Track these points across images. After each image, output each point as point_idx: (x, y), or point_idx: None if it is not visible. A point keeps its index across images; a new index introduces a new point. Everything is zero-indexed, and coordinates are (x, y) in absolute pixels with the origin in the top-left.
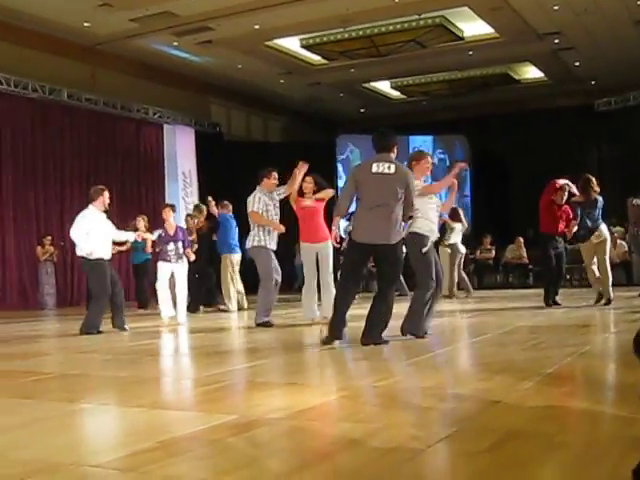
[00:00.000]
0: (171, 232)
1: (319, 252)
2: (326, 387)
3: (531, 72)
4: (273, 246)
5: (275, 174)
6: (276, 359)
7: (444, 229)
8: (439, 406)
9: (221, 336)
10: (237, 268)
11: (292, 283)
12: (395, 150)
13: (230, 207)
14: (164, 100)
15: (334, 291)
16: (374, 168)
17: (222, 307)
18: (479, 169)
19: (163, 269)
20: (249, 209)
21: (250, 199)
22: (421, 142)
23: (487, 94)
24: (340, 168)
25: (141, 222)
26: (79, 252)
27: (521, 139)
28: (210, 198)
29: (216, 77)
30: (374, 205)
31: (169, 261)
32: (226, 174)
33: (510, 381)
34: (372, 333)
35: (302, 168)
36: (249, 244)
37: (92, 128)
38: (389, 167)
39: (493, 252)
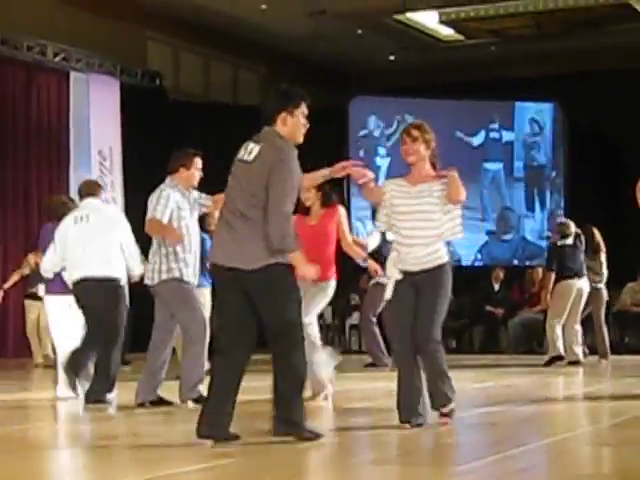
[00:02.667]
0: None
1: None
2: None
3: None
4: (193, 278)
5: (199, 162)
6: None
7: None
8: None
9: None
10: None
11: None
12: (282, 121)
13: None
14: (72, 33)
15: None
16: (240, 152)
17: None
18: (577, 156)
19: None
20: (148, 215)
21: (152, 198)
22: (480, 111)
23: (594, 37)
24: (358, 151)
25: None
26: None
27: None
28: None
29: None
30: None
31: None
32: (170, 154)
33: None
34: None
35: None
36: (153, 276)
37: None
38: (251, 150)
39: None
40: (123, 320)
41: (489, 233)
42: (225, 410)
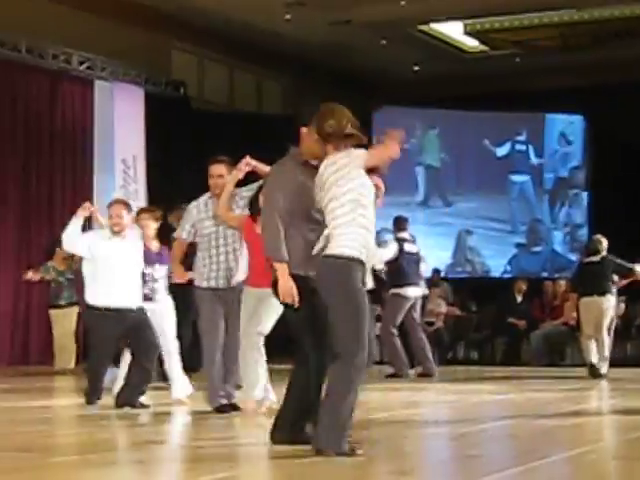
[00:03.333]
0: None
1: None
2: None
3: None
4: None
5: (213, 169)
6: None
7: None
8: None
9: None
10: None
11: None
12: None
13: None
14: (97, 42)
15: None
16: None
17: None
18: (602, 169)
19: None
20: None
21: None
22: (506, 123)
23: (619, 49)
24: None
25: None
26: None
27: None
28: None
29: (182, 8)
30: None
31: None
32: (194, 163)
33: None
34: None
35: (244, 168)
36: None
37: None
38: None
39: (622, 307)
40: None
41: (518, 245)
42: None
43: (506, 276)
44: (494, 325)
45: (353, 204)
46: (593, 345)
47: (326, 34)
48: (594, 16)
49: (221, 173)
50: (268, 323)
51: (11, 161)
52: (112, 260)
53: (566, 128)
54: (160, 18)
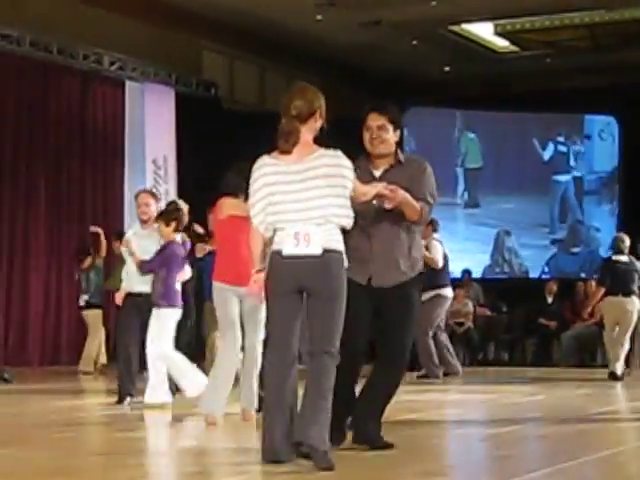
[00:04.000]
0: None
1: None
2: None
3: None
4: None
5: None
6: None
7: None
8: None
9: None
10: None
11: None
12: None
13: None
14: (128, 42)
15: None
16: None
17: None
18: (635, 169)
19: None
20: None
21: None
22: (543, 124)
23: None
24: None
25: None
26: None
27: None
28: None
29: (213, 8)
30: None
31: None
32: (225, 163)
33: None
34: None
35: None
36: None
37: (9, 83)
38: None
39: None
40: None
41: (557, 246)
42: None
43: (544, 277)
44: (525, 326)
45: None
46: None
47: (356, 34)
48: (624, 16)
49: None
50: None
51: (42, 162)
52: None
53: (602, 129)
54: (191, 18)
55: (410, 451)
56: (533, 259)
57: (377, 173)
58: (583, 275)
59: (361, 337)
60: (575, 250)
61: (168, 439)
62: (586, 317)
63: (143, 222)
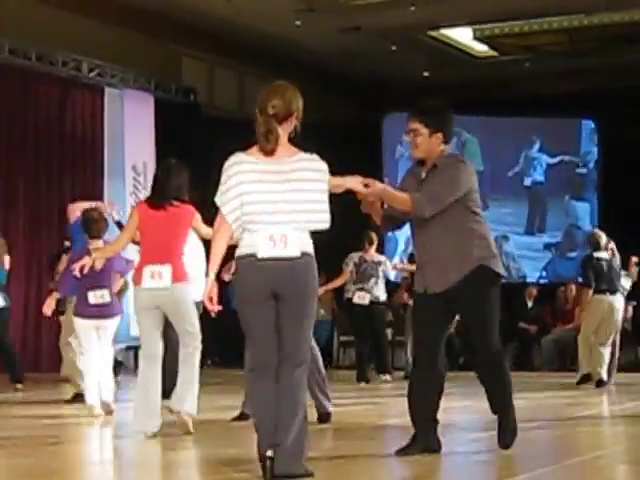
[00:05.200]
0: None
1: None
2: None
3: None
4: None
5: None
6: None
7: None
8: None
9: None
10: None
11: None
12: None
13: None
14: (107, 49)
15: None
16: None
17: None
18: (613, 173)
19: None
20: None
21: None
22: (512, 126)
23: (628, 53)
24: (393, 167)
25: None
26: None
27: None
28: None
29: (192, 14)
30: None
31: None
32: (204, 169)
33: None
34: None
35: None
36: None
37: None
38: None
39: (630, 311)
40: None
41: (548, 247)
42: None
43: (542, 281)
44: (505, 330)
45: None
46: (589, 351)
47: (336, 40)
48: (603, 21)
49: None
50: None
51: (22, 168)
52: None
53: (580, 133)
54: (170, 25)
55: (390, 456)
56: (530, 264)
57: (423, 176)
58: (580, 279)
59: (434, 345)
60: (572, 255)
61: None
62: (575, 321)
63: None
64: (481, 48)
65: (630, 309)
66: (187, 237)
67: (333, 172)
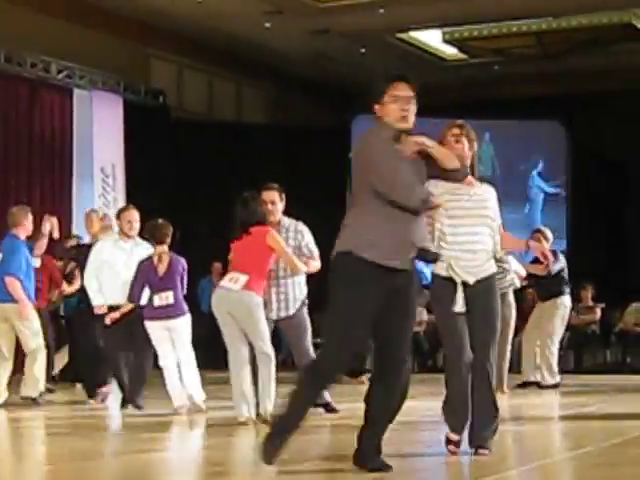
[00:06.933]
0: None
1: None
2: None
3: None
4: None
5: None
6: None
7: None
8: None
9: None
10: None
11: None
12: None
13: None
14: (76, 50)
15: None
16: None
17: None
18: (580, 178)
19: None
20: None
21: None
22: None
23: (599, 57)
24: None
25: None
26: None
27: None
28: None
29: (162, 16)
30: None
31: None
32: (173, 172)
33: None
34: None
35: None
36: None
37: None
38: None
39: (598, 313)
40: None
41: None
42: None
43: None
44: None
45: None
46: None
47: (305, 43)
48: (571, 24)
49: (273, 199)
50: None
51: None
52: None
53: (542, 135)
54: (139, 27)
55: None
56: None
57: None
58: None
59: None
60: None
61: None
62: None
63: (129, 237)
64: (451, 51)
65: (598, 311)
66: (267, 253)
67: (299, 174)
